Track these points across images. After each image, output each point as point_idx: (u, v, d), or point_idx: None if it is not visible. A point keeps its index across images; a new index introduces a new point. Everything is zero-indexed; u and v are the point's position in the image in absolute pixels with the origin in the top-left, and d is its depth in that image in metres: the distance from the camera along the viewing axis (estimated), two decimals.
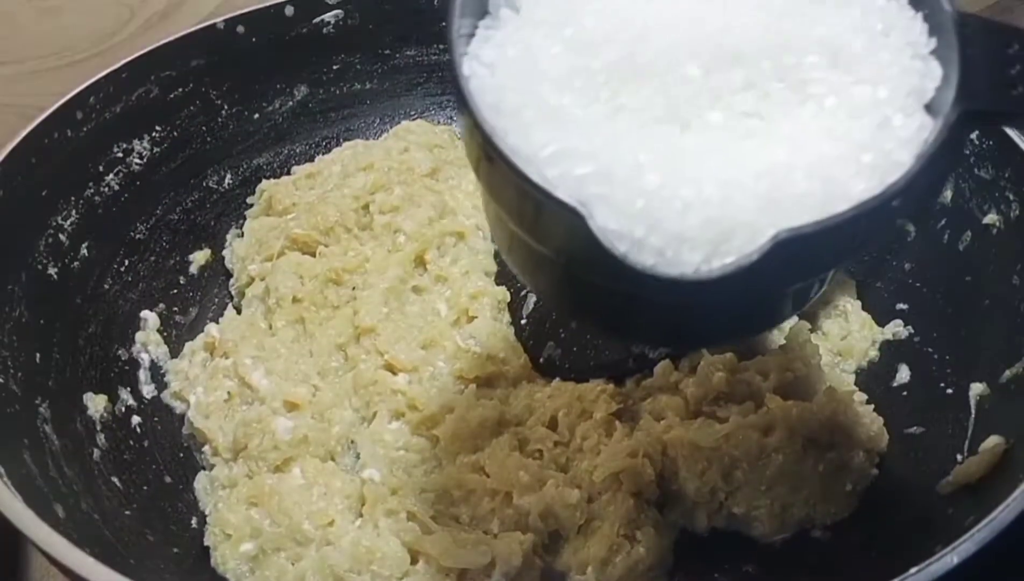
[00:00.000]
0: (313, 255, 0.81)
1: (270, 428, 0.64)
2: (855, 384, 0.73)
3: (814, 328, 0.77)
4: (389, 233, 0.82)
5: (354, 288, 0.78)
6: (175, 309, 0.81)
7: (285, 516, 0.58)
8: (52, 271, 0.71)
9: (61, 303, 0.71)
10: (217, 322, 0.79)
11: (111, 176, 0.79)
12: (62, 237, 0.73)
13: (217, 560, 0.60)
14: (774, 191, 0.37)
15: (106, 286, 0.76)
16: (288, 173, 0.91)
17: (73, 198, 0.75)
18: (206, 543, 0.62)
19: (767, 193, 0.37)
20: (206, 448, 0.68)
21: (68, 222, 0.74)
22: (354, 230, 0.82)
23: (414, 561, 0.58)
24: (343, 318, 0.75)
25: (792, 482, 0.65)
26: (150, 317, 0.78)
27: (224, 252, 0.87)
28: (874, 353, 0.76)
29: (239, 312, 0.79)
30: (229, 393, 0.69)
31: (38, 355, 0.65)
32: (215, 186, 0.89)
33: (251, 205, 0.90)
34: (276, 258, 0.80)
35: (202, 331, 0.78)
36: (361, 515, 0.61)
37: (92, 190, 0.77)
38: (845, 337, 0.77)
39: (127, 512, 0.60)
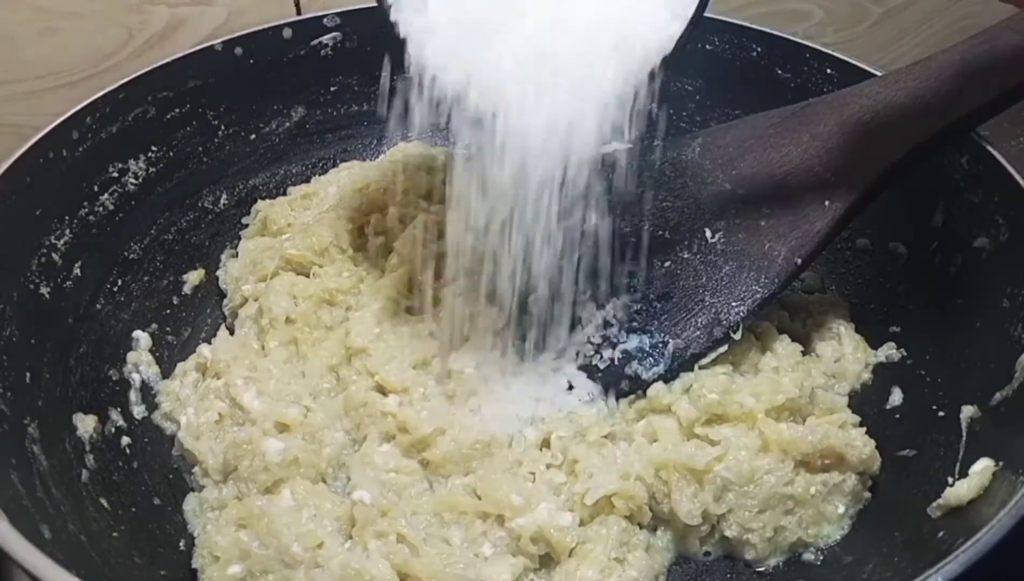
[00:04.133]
0: (307, 275, 0.81)
1: (260, 450, 0.63)
2: (848, 406, 0.73)
3: (807, 351, 0.77)
4: (383, 254, 0.82)
5: (348, 309, 0.78)
6: (167, 329, 0.81)
7: (274, 538, 0.58)
8: (44, 291, 0.70)
9: (52, 323, 0.70)
10: (210, 343, 0.79)
11: (106, 196, 0.79)
12: (55, 256, 0.73)
13: None
14: None
15: (98, 306, 0.76)
16: (284, 194, 0.92)
17: (67, 217, 0.75)
18: (194, 565, 0.61)
19: None
20: (196, 469, 0.68)
21: (61, 242, 0.74)
22: (348, 251, 0.82)
23: None
24: (336, 339, 0.75)
25: (785, 505, 0.65)
26: (142, 337, 0.78)
27: (218, 272, 0.87)
28: (867, 376, 0.76)
29: (232, 333, 0.79)
30: (220, 414, 0.69)
31: (28, 375, 0.64)
32: (210, 206, 0.89)
33: (246, 225, 0.90)
34: (270, 278, 0.80)
35: (194, 352, 0.78)
36: (351, 537, 0.60)
37: (87, 210, 0.77)
38: (838, 360, 0.77)
39: (114, 534, 0.59)
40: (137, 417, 0.73)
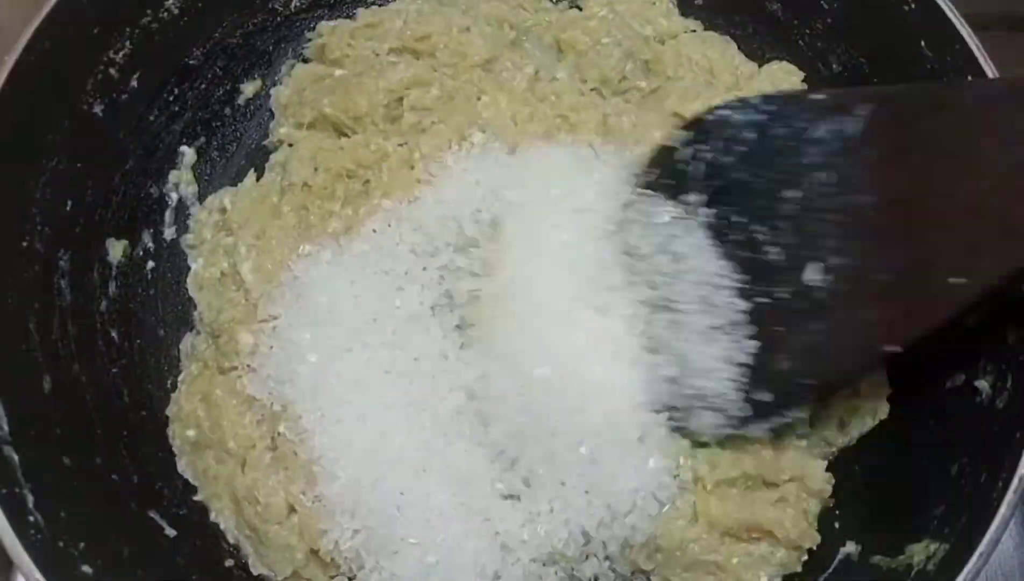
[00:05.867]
0: (341, 135, 0.83)
1: (236, 337, 0.72)
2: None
3: None
4: (415, 133, 0.82)
5: (366, 182, 0.82)
6: (214, 144, 0.87)
7: (218, 427, 0.70)
8: (98, 109, 0.76)
9: (103, 141, 0.77)
10: (253, 168, 0.85)
11: (171, 0, 0.80)
12: (112, 71, 0.77)
13: (172, 432, 0.73)
14: None
15: (151, 118, 0.81)
16: (353, 15, 0.89)
17: (128, 29, 0.77)
18: (167, 412, 0.74)
19: None
20: (196, 314, 0.78)
21: (120, 55, 0.77)
22: (380, 124, 0.82)
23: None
24: (345, 216, 0.78)
25: (707, 568, 0.69)
26: (187, 152, 0.84)
27: (271, 90, 0.88)
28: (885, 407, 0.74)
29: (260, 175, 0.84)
30: (223, 272, 0.77)
31: (70, 202, 0.73)
32: (280, 8, 0.89)
33: (310, 40, 0.89)
34: (306, 128, 0.83)
35: (235, 173, 0.85)
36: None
37: (149, 17, 0.79)
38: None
39: (114, 370, 0.73)
40: (167, 239, 0.82)
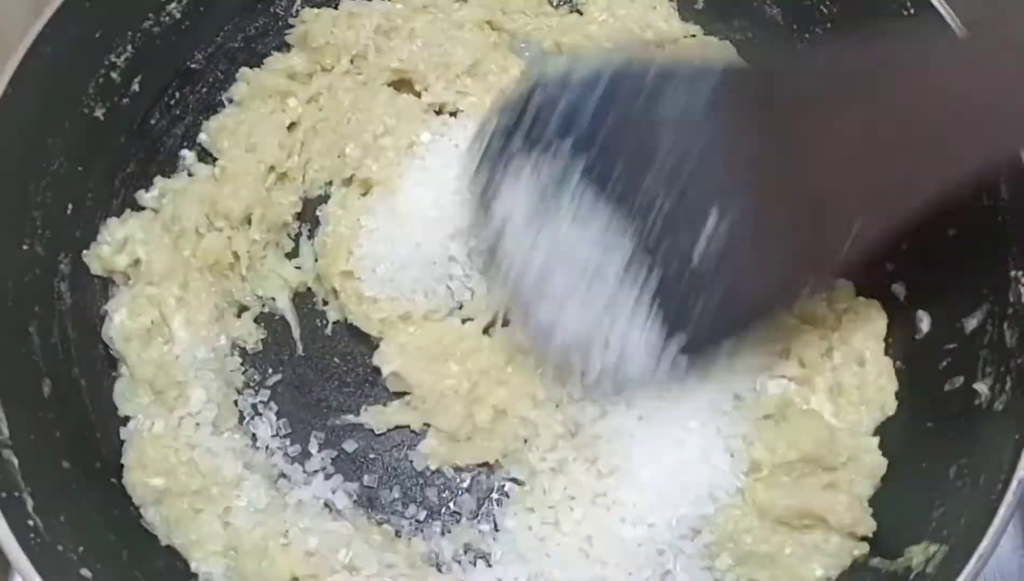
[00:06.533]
0: None
1: (185, 394, 0.71)
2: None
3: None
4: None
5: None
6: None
7: (198, 475, 0.68)
8: (99, 113, 0.76)
9: (103, 144, 0.77)
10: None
11: (173, 4, 0.81)
12: (114, 75, 0.77)
13: (130, 482, 0.68)
14: None
15: (152, 121, 0.82)
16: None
17: (129, 33, 0.78)
18: (122, 462, 0.69)
19: None
20: (123, 369, 0.73)
21: (122, 58, 0.77)
22: None
23: None
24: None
25: (759, 560, 0.68)
26: (188, 156, 0.84)
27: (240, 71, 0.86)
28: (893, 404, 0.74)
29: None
30: (152, 322, 0.72)
31: (71, 205, 0.74)
32: (282, 12, 0.89)
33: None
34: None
35: None
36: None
37: (151, 21, 0.80)
38: (860, 387, 0.75)
39: (113, 373, 0.73)
40: None
